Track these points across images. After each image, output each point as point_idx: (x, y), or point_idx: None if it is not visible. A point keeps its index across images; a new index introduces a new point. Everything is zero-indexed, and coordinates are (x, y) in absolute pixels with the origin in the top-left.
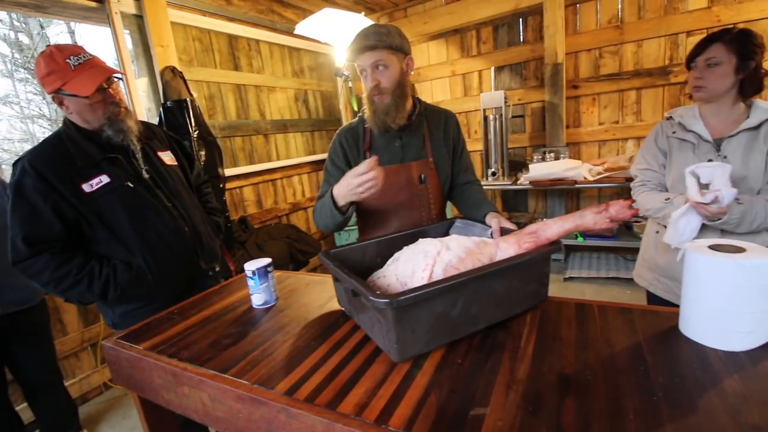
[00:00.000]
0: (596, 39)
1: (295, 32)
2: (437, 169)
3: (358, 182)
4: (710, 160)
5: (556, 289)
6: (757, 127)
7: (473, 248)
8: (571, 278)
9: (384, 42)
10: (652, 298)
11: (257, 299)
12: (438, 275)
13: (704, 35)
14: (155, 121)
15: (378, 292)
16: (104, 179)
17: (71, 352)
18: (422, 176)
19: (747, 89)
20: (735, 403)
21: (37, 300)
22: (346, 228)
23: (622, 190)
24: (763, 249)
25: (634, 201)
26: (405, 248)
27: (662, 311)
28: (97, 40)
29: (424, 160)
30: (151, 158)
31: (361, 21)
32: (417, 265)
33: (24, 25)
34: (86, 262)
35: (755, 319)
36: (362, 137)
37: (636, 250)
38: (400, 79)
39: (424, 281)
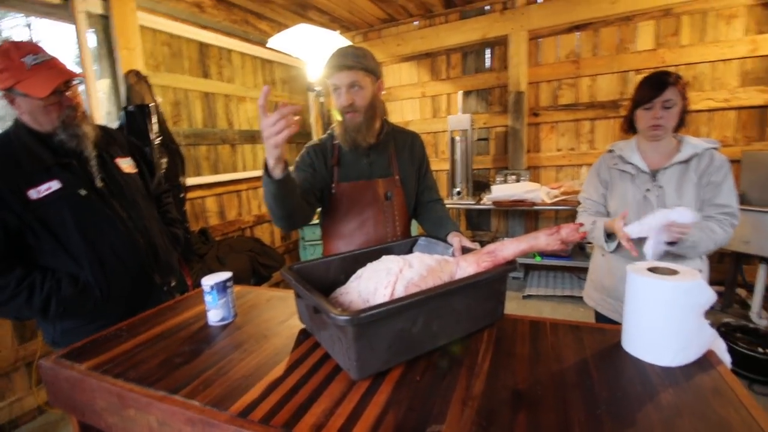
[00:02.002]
0: (555, 71)
1: (268, 45)
2: (403, 187)
3: (267, 132)
4: (648, 190)
5: (515, 306)
6: (687, 161)
7: (435, 266)
8: (529, 296)
9: (361, 64)
10: (599, 316)
11: (214, 315)
12: (400, 292)
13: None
14: (115, 125)
15: (339, 309)
16: (54, 185)
17: (2, 372)
18: (388, 193)
19: (679, 126)
20: (669, 416)
21: None
22: (312, 243)
23: (577, 213)
24: (693, 272)
25: (582, 224)
26: (368, 265)
27: (608, 329)
28: (56, 36)
29: (391, 178)
30: (107, 165)
31: (337, 39)
32: (379, 282)
33: None
34: (27, 275)
35: (686, 336)
36: (330, 153)
37: (587, 270)
38: (372, 100)
39: (386, 298)
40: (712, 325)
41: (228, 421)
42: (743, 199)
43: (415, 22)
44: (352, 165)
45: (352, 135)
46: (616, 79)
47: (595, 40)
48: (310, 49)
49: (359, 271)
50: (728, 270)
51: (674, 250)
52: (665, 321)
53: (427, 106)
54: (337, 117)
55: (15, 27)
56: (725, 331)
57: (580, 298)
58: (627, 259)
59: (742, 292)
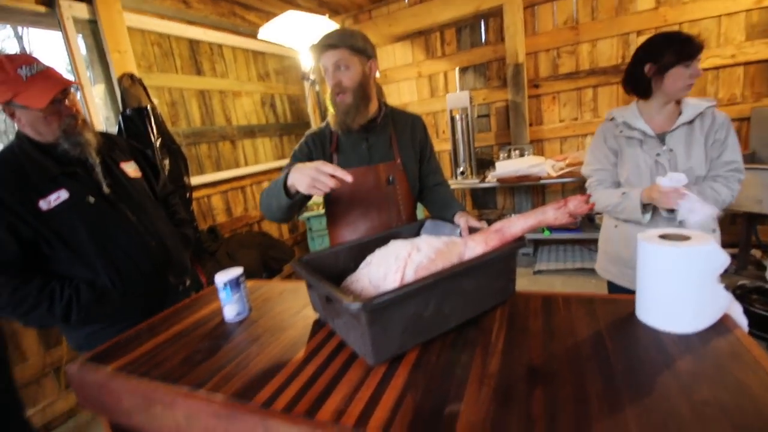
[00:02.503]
0: (554, 39)
1: (259, 36)
2: (405, 171)
3: (315, 174)
4: (658, 154)
5: (526, 282)
6: (692, 122)
7: (443, 248)
8: (540, 271)
9: (345, 42)
10: (612, 287)
11: (229, 311)
12: (410, 277)
13: (653, 34)
14: (114, 130)
15: (351, 297)
16: (63, 195)
17: (32, 379)
18: (390, 177)
19: None
20: (687, 382)
21: None
22: (320, 233)
23: (584, 184)
24: (705, 236)
25: (590, 195)
26: (377, 251)
27: (620, 299)
28: (48, 45)
29: (392, 162)
30: (112, 171)
31: (326, 23)
32: (389, 267)
33: None
34: (46, 284)
35: (701, 302)
36: (329, 139)
37: (597, 241)
38: (361, 80)
39: (396, 283)
40: (727, 288)
41: (252, 412)
42: (753, 158)
43: (406, 0)
44: (351, 151)
45: (342, 117)
46: (617, 42)
47: (593, 2)
48: (301, 36)
49: (368, 258)
50: (741, 231)
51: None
52: (679, 288)
53: (424, 86)
54: (329, 105)
55: (6, 39)
56: (741, 294)
57: (592, 270)
58: (642, 228)
59: (756, 253)
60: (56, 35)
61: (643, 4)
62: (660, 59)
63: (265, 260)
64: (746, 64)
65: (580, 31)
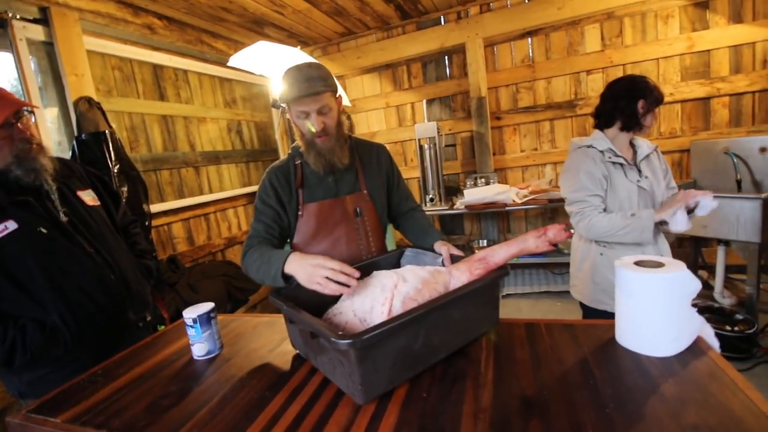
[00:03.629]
0: (513, 76)
1: (229, 64)
2: (373, 201)
3: (334, 271)
4: (638, 180)
5: None
6: (648, 155)
7: (429, 278)
8: (508, 295)
9: (329, 86)
10: (587, 310)
11: (199, 349)
12: (397, 309)
13: (600, 74)
14: (67, 155)
15: (340, 333)
16: (10, 225)
17: None
18: (358, 209)
19: None
20: (675, 407)
21: None
22: None
23: (545, 211)
24: (678, 263)
25: (567, 224)
26: (360, 282)
27: (600, 324)
28: None
29: (359, 193)
30: (69, 199)
31: (297, 54)
32: (375, 299)
33: None
34: None
35: (678, 326)
36: (293, 174)
37: (562, 265)
38: (338, 119)
39: (384, 316)
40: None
41: None
42: (695, 186)
43: (373, 35)
44: (317, 184)
45: (328, 157)
46: (570, 80)
47: (546, 44)
48: (271, 65)
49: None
50: (689, 253)
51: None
52: (657, 313)
53: (392, 116)
54: (299, 143)
55: None
56: None
57: (557, 293)
58: (629, 250)
59: (704, 274)
60: (5, 55)
61: (590, 46)
62: (651, 97)
63: (230, 290)
64: (683, 101)
65: (536, 69)
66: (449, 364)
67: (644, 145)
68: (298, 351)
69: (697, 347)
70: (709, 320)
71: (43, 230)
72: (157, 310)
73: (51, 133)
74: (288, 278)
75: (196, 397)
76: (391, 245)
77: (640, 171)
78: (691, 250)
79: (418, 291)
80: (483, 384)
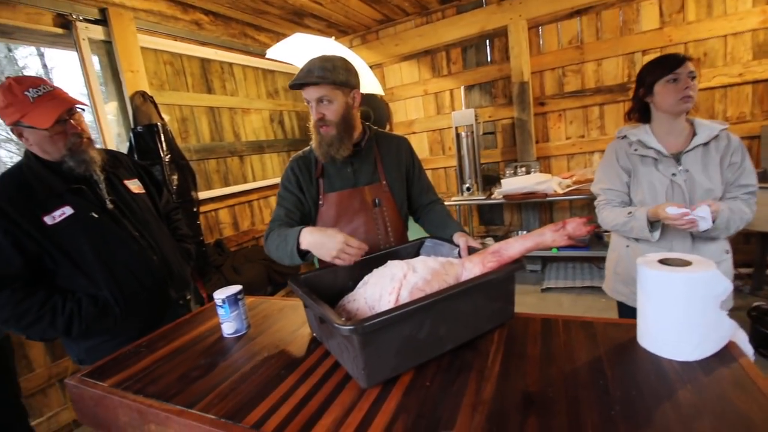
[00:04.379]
0: (559, 58)
1: (267, 56)
2: (392, 192)
3: (341, 246)
4: (674, 174)
5: (534, 300)
6: (707, 143)
7: (439, 269)
8: (548, 289)
9: (328, 78)
10: (624, 308)
11: (228, 328)
12: (404, 298)
13: (657, 54)
14: (125, 146)
15: (343, 319)
16: (67, 210)
17: (38, 389)
18: (376, 200)
19: None
20: (688, 414)
21: (0, 336)
22: None
23: (592, 201)
24: (707, 262)
25: (589, 218)
26: (374, 271)
27: (623, 323)
28: (65, 62)
29: (377, 184)
30: (116, 187)
31: (331, 45)
32: (384, 288)
33: None
34: (48, 298)
35: (704, 329)
36: (314, 164)
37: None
38: (344, 113)
39: (391, 304)
40: (740, 308)
41: None
42: (765, 176)
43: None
44: (336, 175)
45: (326, 149)
46: (623, 61)
47: (597, 23)
48: (307, 56)
49: (366, 278)
50: (755, 251)
51: (709, 233)
52: (680, 314)
53: (430, 103)
54: (312, 132)
55: (29, 56)
56: (756, 315)
57: (601, 288)
58: (655, 247)
59: None
60: (72, 54)
61: (647, 24)
62: (644, 80)
63: (270, 274)
64: (754, 82)
65: (585, 50)
66: (456, 355)
67: (707, 130)
68: (314, 334)
69: (727, 353)
70: None
71: (95, 215)
72: (196, 290)
73: (112, 125)
74: (304, 254)
75: (221, 371)
76: (412, 237)
77: (680, 163)
78: (757, 246)
79: (427, 282)
80: (487, 377)
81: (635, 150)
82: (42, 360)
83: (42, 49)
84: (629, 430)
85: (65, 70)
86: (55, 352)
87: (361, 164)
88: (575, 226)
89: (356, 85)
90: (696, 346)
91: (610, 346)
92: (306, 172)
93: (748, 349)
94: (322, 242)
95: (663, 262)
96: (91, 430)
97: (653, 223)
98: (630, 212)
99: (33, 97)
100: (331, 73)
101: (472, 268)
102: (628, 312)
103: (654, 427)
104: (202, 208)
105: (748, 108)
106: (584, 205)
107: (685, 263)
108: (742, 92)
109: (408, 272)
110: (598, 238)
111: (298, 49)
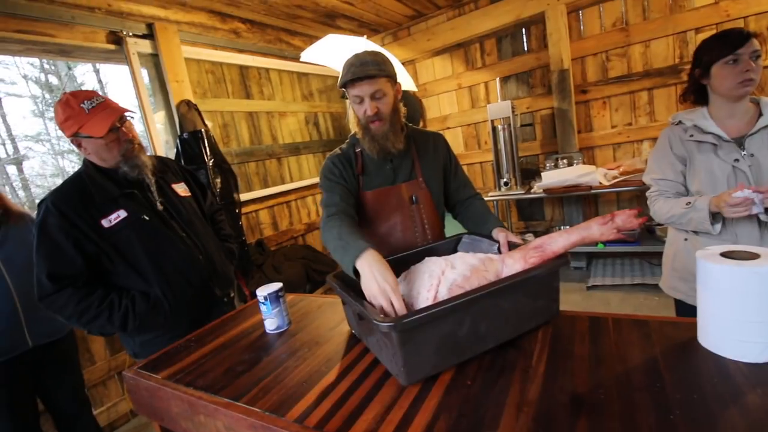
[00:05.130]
0: (602, 43)
1: (301, 60)
2: (429, 189)
3: (383, 297)
4: (737, 160)
5: (579, 299)
6: None
7: (478, 265)
8: (594, 287)
9: (383, 71)
10: (682, 307)
11: (270, 324)
12: (443, 295)
13: (713, 31)
14: (173, 152)
15: (382, 315)
16: (122, 214)
17: (99, 380)
18: (414, 197)
19: None
20: (757, 420)
21: (66, 331)
22: None
23: (641, 193)
24: None
25: (640, 210)
26: (412, 267)
27: (681, 322)
28: (117, 76)
29: (415, 181)
30: (165, 190)
31: (364, 44)
32: (422, 285)
33: (53, 67)
34: (106, 295)
35: None
36: (354, 161)
37: (659, 254)
38: (395, 105)
39: (429, 301)
40: None
41: (285, 427)
42: None
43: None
44: (376, 172)
45: (381, 143)
46: (674, 41)
47: (644, 2)
48: (339, 57)
49: (403, 274)
50: None
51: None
52: (746, 312)
53: (464, 97)
54: (354, 127)
55: (86, 73)
56: None
57: (653, 285)
58: (717, 240)
59: None
60: (123, 68)
61: None
62: (701, 60)
63: (309, 272)
64: None
65: (630, 32)
66: (498, 354)
67: None
68: (353, 331)
69: None
70: None
71: (146, 217)
72: (240, 288)
73: (160, 133)
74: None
75: (265, 365)
76: (450, 233)
77: (743, 147)
78: None
79: (466, 278)
80: (532, 377)
81: (691, 136)
82: (102, 353)
83: (97, 65)
84: None
85: (118, 83)
86: (114, 346)
87: (400, 162)
88: (625, 219)
89: (397, 78)
90: (766, 346)
91: (667, 346)
92: (348, 167)
93: None
94: (370, 282)
95: (727, 255)
96: (147, 420)
97: (715, 215)
98: (689, 202)
99: (88, 109)
100: (385, 66)
101: (513, 264)
102: (687, 311)
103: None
104: (244, 210)
105: None
106: (633, 197)
107: (753, 256)
108: None
109: (446, 269)
110: (649, 232)
111: (331, 50)
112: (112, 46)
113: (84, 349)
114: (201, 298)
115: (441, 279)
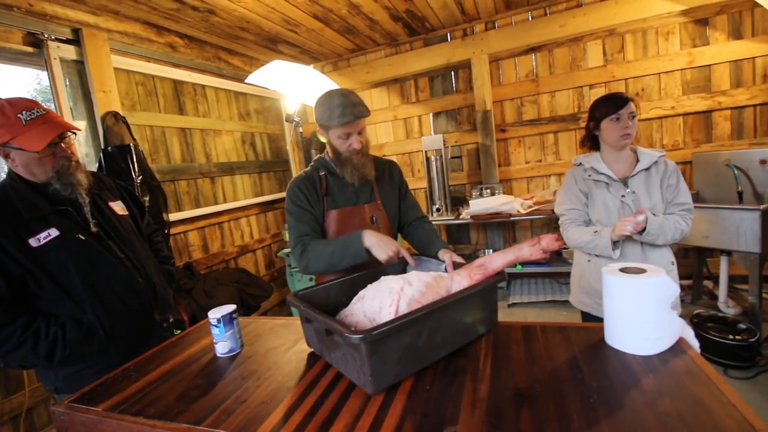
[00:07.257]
0: (517, 90)
1: (247, 81)
2: (386, 210)
3: (398, 248)
4: (623, 195)
5: (502, 315)
6: (648, 168)
7: (432, 282)
8: (514, 304)
9: (368, 109)
10: (587, 317)
11: (222, 347)
12: (403, 309)
13: (602, 88)
14: (94, 166)
15: (352, 329)
16: (53, 232)
17: None
18: (374, 217)
19: None
20: (652, 398)
21: None
22: (294, 270)
23: (551, 221)
24: (659, 269)
25: (560, 234)
26: (369, 286)
27: (591, 327)
28: (13, 76)
29: (374, 203)
30: (101, 209)
31: (310, 72)
32: (383, 301)
33: None
34: (31, 322)
35: (659, 327)
36: (319, 183)
37: (566, 274)
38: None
39: (392, 316)
40: (683, 316)
41: None
42: (697, 198)
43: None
44: (340, 193)
45: (362, 172)
46: (573, 94)
47: (550, 59)
48: (285, 83)
49: (361, 293)
50: (693, 264)
51: (642, 238)
52: (639, 314)
53: (399, 128)
54: (328, 157)
55: None
56: (697, 322)
57: (562, 302)
58: (614, 262)
59: (709, 284)
60: (21, 70)
61: (593, 61)
62: (594, 116)
63: (243, 297)
64: (685, 114)
65: (539, 83)
66: (450, 361)
67: (647, 157)
68: (312, 349)
69: (678, 347)
70: (713, 329)
71: (81, 237)
72: (178, 313)
73: (80, 145)
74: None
75: (222, 389)
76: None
77: (627, 186)
78: (695, 260)
79: (423, 294)
80: (481, 378)
81: (589, 175)
82: None
83: None
84: (607, 413)
85: (13, 83)
86: (9, 387)
87: (362, 186)
88: (549, 241)
89: None
90: (654, 341)
91: (583, 346)
92: (312, 190)
93: (694, 343)
94: (385, 242)
95: (623, 270)
96: None
97: (615, 242)
98: (596, 231)
99: (26, 120)
100: (364, 103)
101: (460, 280)
102: (592, 320)
103: (626, 409)
104: (172, 230)
105: (681, 137)
106: (544, 224)
107: (641, 271)
108: (675, 123)
109: (404, 285)
110: (557, 255)
111: (277, 76)
112: (29, 49)
113: None
114: (139, 324)
115: (401, 295)
